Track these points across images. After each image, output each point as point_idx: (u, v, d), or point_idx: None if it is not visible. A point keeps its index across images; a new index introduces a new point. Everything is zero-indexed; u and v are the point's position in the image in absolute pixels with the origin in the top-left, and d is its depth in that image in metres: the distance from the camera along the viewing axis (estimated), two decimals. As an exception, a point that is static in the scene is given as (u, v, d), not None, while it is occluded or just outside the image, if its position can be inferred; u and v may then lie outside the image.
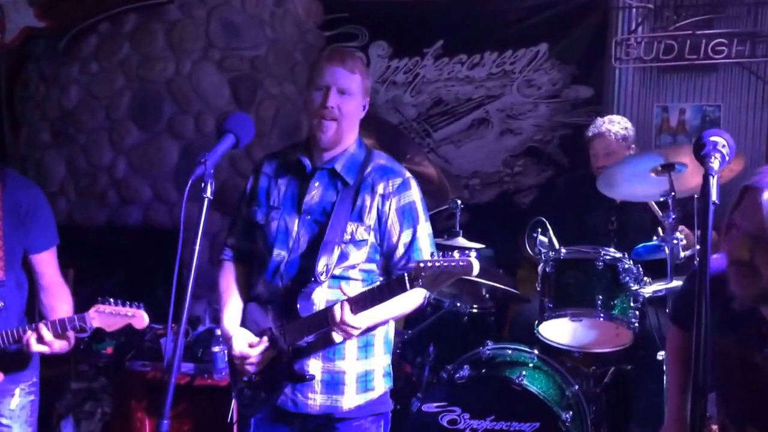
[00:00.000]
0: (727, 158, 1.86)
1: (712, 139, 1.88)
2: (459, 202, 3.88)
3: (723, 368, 2.02)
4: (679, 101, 5.36)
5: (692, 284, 1.85)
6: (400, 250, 2.50)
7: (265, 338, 2.48)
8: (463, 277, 2.18)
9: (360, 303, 2.30)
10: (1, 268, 2.77)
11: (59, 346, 2.71)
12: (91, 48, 5.32)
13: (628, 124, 4.12)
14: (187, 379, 3.98)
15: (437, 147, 5.96)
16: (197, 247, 2.02)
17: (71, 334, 2.72)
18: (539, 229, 3.58)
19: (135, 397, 4.14)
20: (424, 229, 2.53)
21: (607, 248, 3.44)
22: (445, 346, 3.82)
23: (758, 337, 1.94)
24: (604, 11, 5.49)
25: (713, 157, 1.83)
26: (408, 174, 2.56)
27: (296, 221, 2.52)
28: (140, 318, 2.65)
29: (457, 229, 3.80)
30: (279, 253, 2.53)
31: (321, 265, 2.42)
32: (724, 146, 1.87)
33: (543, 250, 3.53)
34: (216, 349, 3.94)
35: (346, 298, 2.32)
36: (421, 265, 2.17)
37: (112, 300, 2.64)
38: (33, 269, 2.91)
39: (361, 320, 2.33)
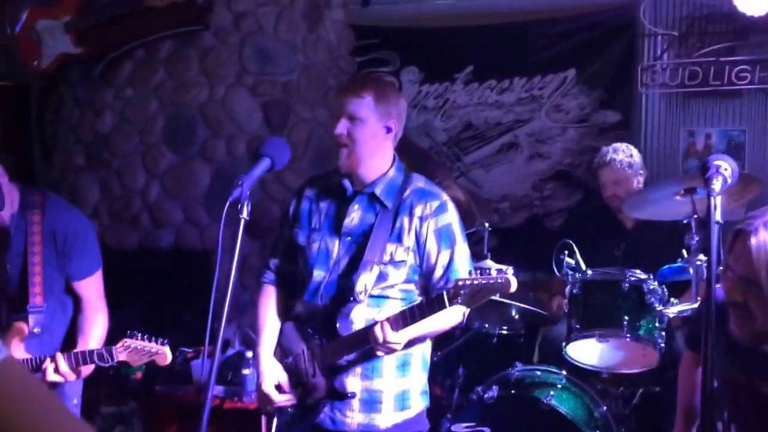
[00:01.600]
0: (729, 180, 1.99)
1: (716, 163, 2.00)
2: (487, 225, 3.93)
3: (732, 393, 2.07)
4: (705, 126, 5.39)
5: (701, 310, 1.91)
6: (439, 271, 2.56)
7: (294, 392, 2.57)
8: (500, 294, 2.23)
9: (400, 321, 2.36)
10: (39, 294, 2.83)
11: (74, 377, 2.78)
12: (126, 73, 5.44)
13: (634, 152, 4.16)
14: (216, 401, 3.99)
15: (467, 171, 6.01)
16: (234, 269, 2.09)
17: (87, 368, 2.77)
18: (566, 251, 3.61)
19: (165, 421, 4.16)
20: (462, 250, 2.59)
21: (633, 270, 3.47)
22: (474, 367, 3.84)
23: (765, 369, 1.99)
24: (630, 38, 5.55)
25: (715, 179, 1.95)
26: (445, 197, 2.63)
27: (337, 243, 2.60)
28: (164, 355, 2.71)
29: (486, 252, 3.84)
30: (319, 274, 2.61)
31: (360, 285, 2.49)
32: (726, 169, 1.99)
33: (570, 272, 3.56)
34: (246, 371, 3.96)
35: (385, 318, 2.37)
36: (460, 283, 2.23)
37: (139, 335, 2.69)
38: (75, 293, 2.98)
39: (402, 336, 2.39)
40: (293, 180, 4.92)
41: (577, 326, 3.45)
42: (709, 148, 5.34)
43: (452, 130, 6.05)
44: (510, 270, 2.18)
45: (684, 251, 3.39)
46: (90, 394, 4.48)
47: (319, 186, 2.74)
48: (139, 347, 2.68)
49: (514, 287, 2.17)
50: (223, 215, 2.06)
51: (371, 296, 2.52)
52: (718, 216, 1.88)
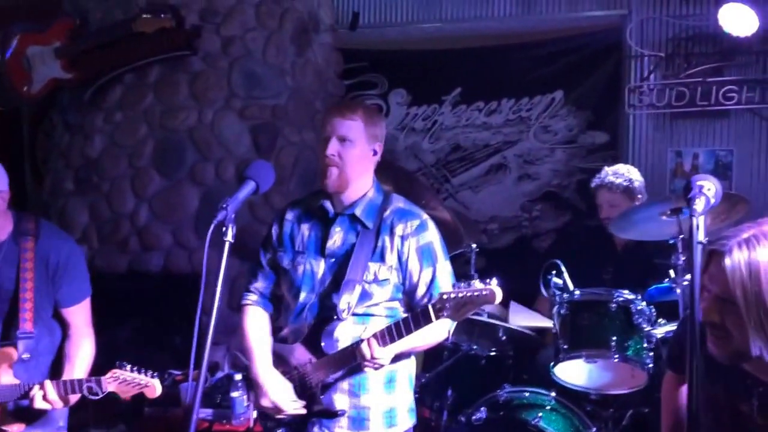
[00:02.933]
0: (712, 201, 1.98)
1: (699, 183, 2.00)
2: (474, 246, 3.93)
3: (714, 413, 2.06)
4: (692, 146, 5.42)
5: (685, 328, 1.91)
6: (422, 289, 2.61)
7: (303, 402, 2.59)
8: (486, 305, 2.25)
9: (387, 337, 2.40)
10: (30, 319, 2.84)
11: (62, 405, 2.77)
12: (115, 98, 5.46)
13: (634, 175, 4.11)
14: (205, 424, 4.00)
15: (456, 192, 6.04)
16: (218, 291, 2.09)
17: (75, 396, 2.76)
18: (554, 272, 3.61)
19: (154, 443, 4.15)
20: (444, 267, 2.64)
21: (620, 290, 3.47)
22: (463, 389, 3.83)
23: (744, 388, 1.99)
24: (617, 59, 5.60)
25: (698, 200, 1.95)
26: (425, 216, 2.67)
27: (321, 264, 2.65)
28: (153, 388, 2.69)
29: (473, 272, 3.84)
30: (305, 296, 2.65)
31: (343, 303, 2.53)
32: (709, 189, 1.99)
33: (557, 292, 3.56)
34: (234, 394, 3.95)
35: (372, 334, 2.41)
36: (445, 296, 2.26)
37: (129, 366, 2.67)
38: (63, 319, 2.98)
39: (389, 351, 2.42)
40: (281, 202, 4.91)
41: (565, 347, 3.44)
42: (697, 168, 5.37)
43: (440, 151, 6.08)
44: (494, 281, 2.21)
45: (671, 271, 3.40)
46: (79, 417, 4.46)
47: (301, 209, 2.79)
48: (128, 379, 2.66)
49: (499, 298, 2.20)
50: (208, 238, 2.07)
51: (356, 314, 2.57)
52: (700, 236, 1.89)
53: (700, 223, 1.91)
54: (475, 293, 2.22)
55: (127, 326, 5.57)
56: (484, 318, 3.92)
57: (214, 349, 5.19)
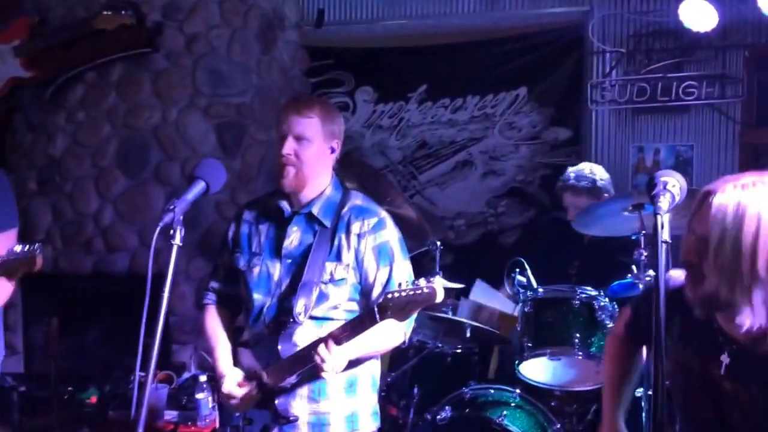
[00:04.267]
0: (677, 198, 1.92)
1: (663, 179, 1.93)
2: (439, 243, 3.94)
3: (684, 379, 2.03)
4: (653, 141, 5.48)
5: (648, 301, 1.86)
6: (378, 289, 2.53)
7: (253, 382, 2.52)
8: (429, 304, 2.19)
9: (338, 338, 2.35)
10: None
11: None
12: (77, 97, 5.39)
13: (598, 174, 4.08)
14: (171, 426, 3.97)
15: (423, 189, 6.07)
16: (165, 293, 2.06)
17: None
18: (518, 269, 3.64)
19: (120, 446, 4.11)
20: (401, 267, 2.57)
21: (583, 287, 3.50)
22: (429, 387, 3.83)
23: (716, 345, 1.95)
24: (579, 56, 5.66)
25: (662, 197, 1.89)
26: (384, 213, 2.62)
27: (278, 266, 2.59)
28: (34, 260, 2.58)
29: (437, 270, 3.86)
30: (261, 298, 2.60)
31: (299, 306, 2.47)
32: (674, 186, 1.93)
33: (521, 290, 3.58)
34: (200, 396, 3.93)
35: (325, 335, 2.36)
36: (389, 296, 2.22)
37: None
38: None
39: (344, 352, 2.37)
40: (247, 201, 4.91)
41: (529, 344, 3.47)
42: (658, 163, 5.44)
43: (407, 148, 6.10)
44: (437, 279, 2.16)
45: (633, 267, 3.43)
46: (43, 420, 4.43)
47: (257, 209, 2.73)
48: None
49: (440, 297, 2.15)
50: (153, 242, 2.04)
51: (315, 318, 2.51)
52: (665, 235, 1.82)
53: (665, 221, 1.85)
54: (417, 291, 2.17)
55: (94, 328, 5.53)
56: (449, 315, 3.94)
57: (182, 350, 5.18)
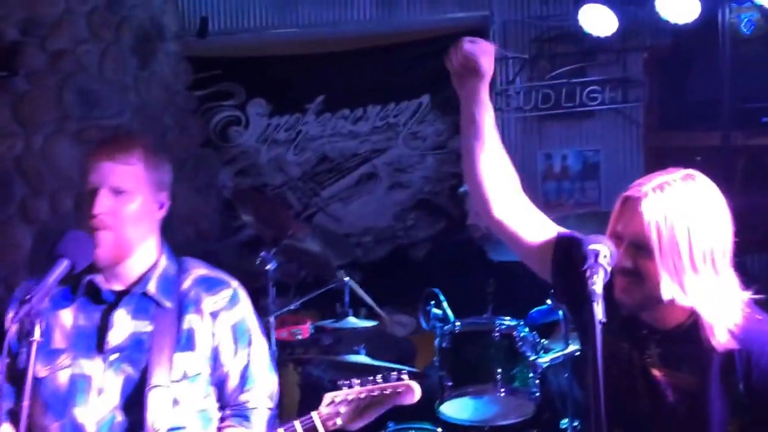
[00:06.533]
0: (608, 269, 1.71)
1: (592, 248, 1.72)
2: (347, 279, 3.68)
3: (617, 365, 1.99)
4: (560, 148, 5.48)
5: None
6: (235, 378, 2.08)
7: None
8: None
9: None
10: None
11: None
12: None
13: None
14: None
15: (326, 206, 5.88)
16: (27, 394, 1.69)
17: None
18: (432, 302, 3.44)
19: None
20: (260, 350, 2.12)
21: (501, 317, 3.33)
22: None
23: (642, 339, 1.97)
24: (482, 61, 5.51)
25: (595, 276, 1.67)
26: (235, 283, 2.13)
27: (99, 364, 1.96)
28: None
29: (347, 308, 3.61)
30: (80, 415, 1.93)
31: (150, 419, 1.91)
32: (605, 257, 1.73)
33: (438, 324, 3.39)
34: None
35: None
36: (337, 399, 1.92)
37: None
38: None
39: None
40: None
41: (449, 383, 3.27)
42: (566, 169, 5.44)
43: (306, 163, 5.90)
44: (406, 378, 1.90)
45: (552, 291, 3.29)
46: None
47: (56, 291, 1.96)
48: None
49: (417, 395, 1.90)
50: (6, 342, 1.69)
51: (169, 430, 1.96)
52: (600, 316, 1.63)
53: (600, 307, 1.64)
54: (385, 391, 1.87)
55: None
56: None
57: None
